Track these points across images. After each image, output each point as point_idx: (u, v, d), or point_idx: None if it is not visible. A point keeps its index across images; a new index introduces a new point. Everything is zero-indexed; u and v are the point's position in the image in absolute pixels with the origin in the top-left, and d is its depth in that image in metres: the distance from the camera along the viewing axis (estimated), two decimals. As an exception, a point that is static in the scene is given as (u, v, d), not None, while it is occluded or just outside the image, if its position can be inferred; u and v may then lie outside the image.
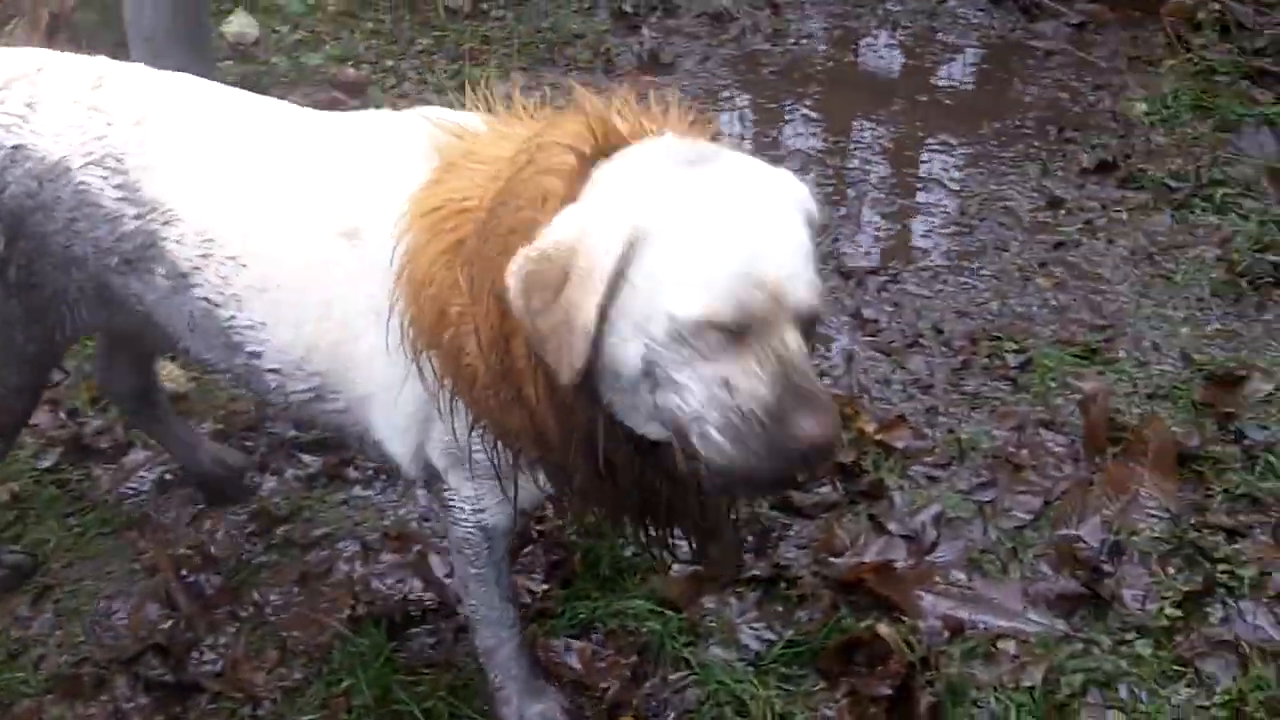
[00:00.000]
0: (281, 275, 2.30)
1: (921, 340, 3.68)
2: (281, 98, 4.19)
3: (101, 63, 2.48)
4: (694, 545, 2.35)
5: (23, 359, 2.57)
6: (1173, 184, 4.23)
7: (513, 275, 1.91)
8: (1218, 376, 3.45)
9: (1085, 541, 3.00)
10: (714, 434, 1.86)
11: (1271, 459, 3.18)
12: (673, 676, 2.80)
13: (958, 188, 4.31)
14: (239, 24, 4.85)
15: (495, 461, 2.23)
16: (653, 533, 2.27)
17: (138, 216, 2.33)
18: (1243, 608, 2.82)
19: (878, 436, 3.32)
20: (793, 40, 5.17)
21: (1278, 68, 4.70)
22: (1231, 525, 3.02)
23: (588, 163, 1.98)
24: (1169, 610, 2.81)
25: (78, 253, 2.39)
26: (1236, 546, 2.96)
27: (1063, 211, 4.18)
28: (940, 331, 3.70)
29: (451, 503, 2.43)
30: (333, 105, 4.48)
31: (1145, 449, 3.18)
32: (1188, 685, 2.69)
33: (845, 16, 5.32)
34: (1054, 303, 3.81)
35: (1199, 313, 3.74)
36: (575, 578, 3.02)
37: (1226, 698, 2.63)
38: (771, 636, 2.88)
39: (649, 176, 1.93)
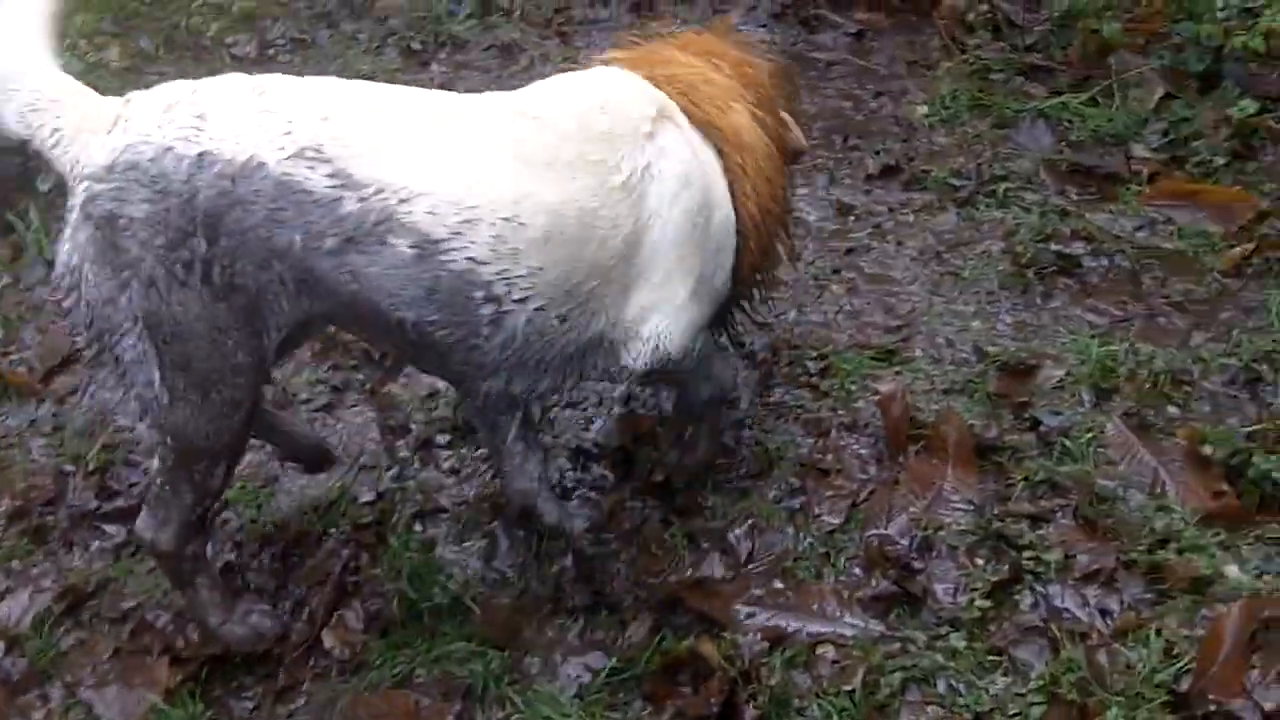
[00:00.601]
0: (563, 225, 2.64)
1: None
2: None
3: (253, 77, 2.61)
4: None
5: (237, 369, 2.62)
6: (956, 182, 4.30)
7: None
8: (1010, 367, 3.50)
9: (895, 540, 3.02)
10: None
11: (1067, 443, 3.24)
12: (498, 717, 2.76)
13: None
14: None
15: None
16: None
17: (361, 199, 2.50)
18: (1050, 592, 2.87)
19: (688, 454, 3.31)
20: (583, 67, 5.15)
21: (1048, 63, 4.81)
22: (1034, 512, 3.07)
23: None
24: (980, 601, 2.85)
25: (280, 243, 2.51)
26: (1040, 533, 3.01)
27: (852, 218, 4.22)
28: (741, 345, 3.70)
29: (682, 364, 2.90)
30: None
31: (945, 444, 3.23)
32: (1003, 674, 2.73)
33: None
34: (849, 308, 3.83)
35: (988, 306, 3.80)
36: (394, 626, 2.96)
37: (1041, 682, 2.68)
38: (596, 665, 2.85)
39: None
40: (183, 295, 2.51)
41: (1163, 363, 3.45)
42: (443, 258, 2.56)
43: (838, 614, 2.89)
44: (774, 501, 3.19)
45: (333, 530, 3.24)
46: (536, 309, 2.66)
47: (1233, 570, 2.85)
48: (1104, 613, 2.82)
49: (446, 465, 3.42)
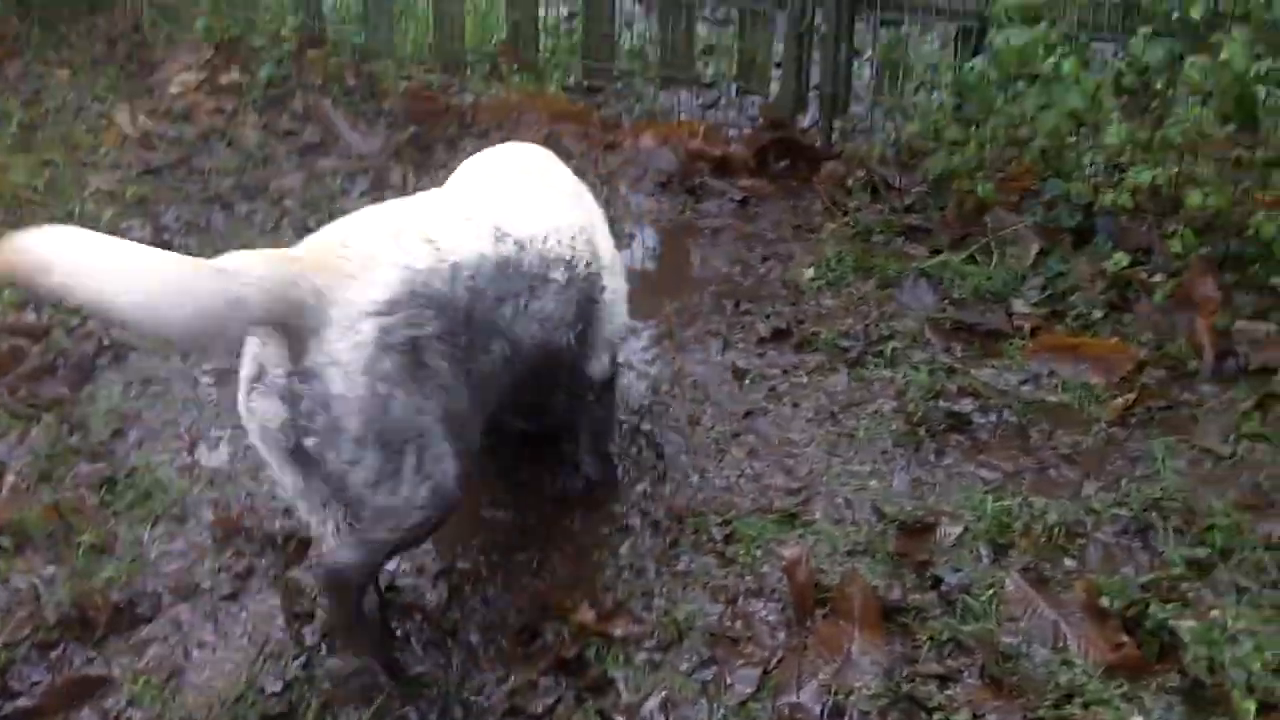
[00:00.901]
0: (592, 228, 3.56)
1: (628, 523, 3.70)
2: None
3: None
4: None
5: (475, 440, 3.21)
6: (845, 344, 4.39)
7: None
8: (909, 526, 3.56)
9: (806, 708, 3.03)
10: None
11: (969, 600, 3.29)
12: None
13: (646, 369, 4.38)
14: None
15: None
16: None
17: (531, 250, 3.26)
18: (961, 754, 2.89)
19: (597, 627, 3.31)
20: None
21: (926, 223, 4.97)
22: (941, 672, 3.10)
23: None
24: (892, 768, 2.87)
25: (500, 319, 3.15)
26: (949, 693, 3.04)
27: (747, 381, 4.28)
28: (645, 513, 3.72)
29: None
30: (14, 352, 4.35)
31: (851, 607, 3.26)
32: (921, 838, 2.74)
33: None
34: (750, 471, 3.88)
35: (884, 465, 3.87)
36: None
37: (956, 845, 2.69)
38: None
39: None
40: (460, 387, 2.99)
41: (1056, 515, 3.54)
42: (575, 270, 3.35)
43: (755, 786, 2.89)
44: (686, 674, 3.18)
45: (241, 724, 3.18)
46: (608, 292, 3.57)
47: (1137, 721, 2.91)
48: (1015, 772, 2.85)
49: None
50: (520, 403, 3.60)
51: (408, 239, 2.94)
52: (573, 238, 3.37)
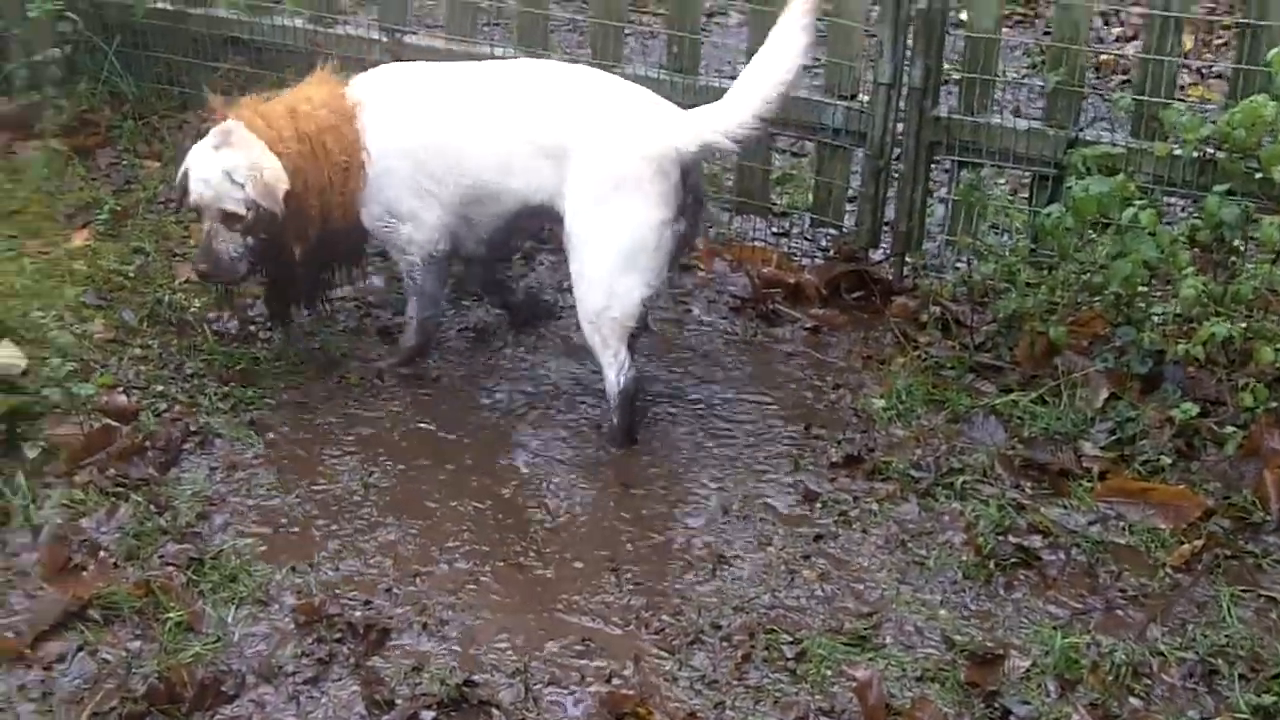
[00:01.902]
0: None
1: (703, 636, 3.86)
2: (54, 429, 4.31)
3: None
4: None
5: None
6: (915, 474, 4.57)
7: None
8: (978, 656, 3.72)
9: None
10: None
11: (1037, 732, 3.45)
12: None
13: (718, 487, 4.55)
14: (4, 355, 4.82)
15: None
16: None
17: None
18: None
19: (672, 737, 3.46)
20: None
21: (996, 362, 5.16)
22: (1009, 802, 3.25)
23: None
24: None
25: None
26: (1015, 824, 3.18)
27: (818, 505, 4.46)
28: (719, 627, 3.88)
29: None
30: (105, 432, 4.56)
31: (921, 731, 3.41)
32: None
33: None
34: (820, 593, 4.05)
35: (954, 595, 4.04)
36: None
37: None
38: None
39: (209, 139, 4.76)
40: None
41: (1123, 655, 3.70)
42: None
43: None
44: (758, 786, 3.34)
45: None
46: None
47: None
48: None
49: (432, 743, 3.51)
50: None
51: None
52: None
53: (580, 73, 4.95)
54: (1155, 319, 4.98)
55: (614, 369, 4.68)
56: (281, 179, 4.67)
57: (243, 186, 4.63)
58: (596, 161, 4.58)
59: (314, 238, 4.85)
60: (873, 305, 5.63)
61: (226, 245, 4.72)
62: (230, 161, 4.64)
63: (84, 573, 4.02)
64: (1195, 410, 4.65)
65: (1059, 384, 4.92)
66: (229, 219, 4.68)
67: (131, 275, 5.65)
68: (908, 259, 5.82)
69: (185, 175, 4.74)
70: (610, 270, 4.58)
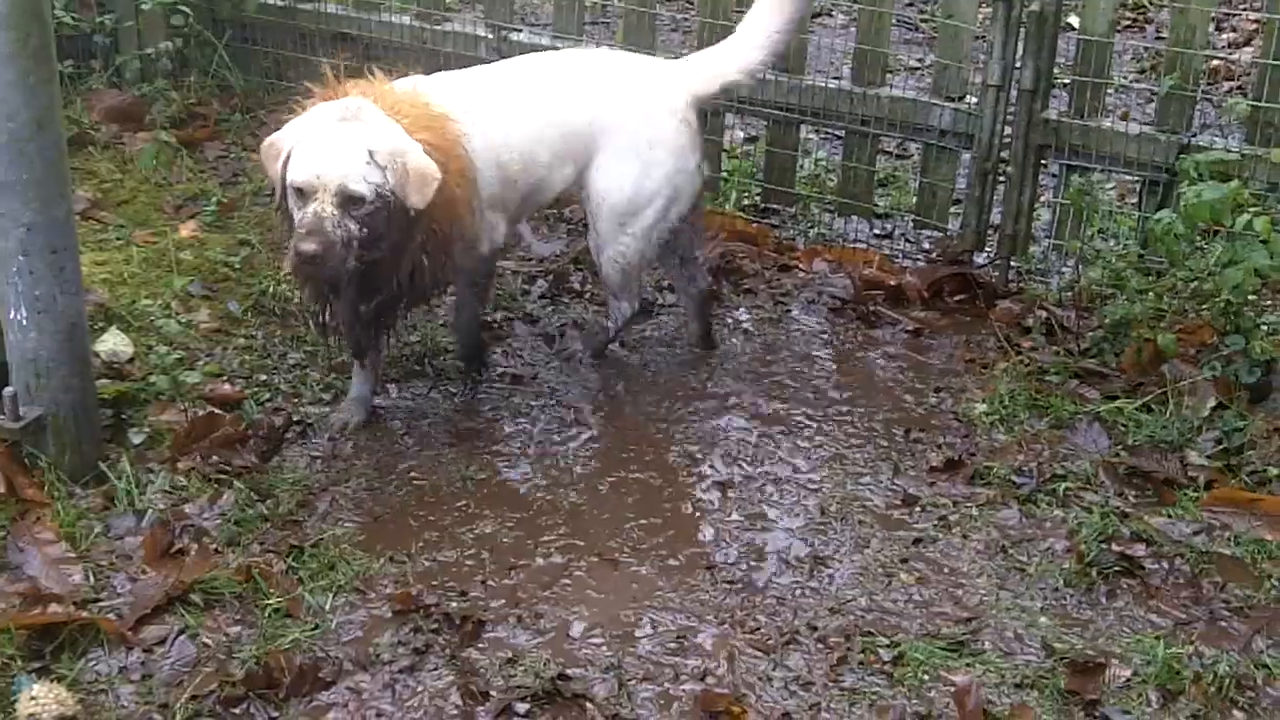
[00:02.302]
0: None
1: (799, 637, 3.87)
2: (159, 415, 4.39)
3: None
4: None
5: None
6: (1017, 480, 4.55)
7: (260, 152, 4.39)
8: (1079, 664, 3.69)
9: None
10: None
11: (1137, 743, 3.42)
12: None
13: (815, 488, 4.56)
14: (112, 343, 4.96)
15: None
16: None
17: None
18: None
19: (766, 735, 3.48)
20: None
21: (1102, 368, 5.12)
22: (1108, 809, 3.24)
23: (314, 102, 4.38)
24: None
25: None
26: (1117, 830, 3.17)
27: (917, 509, 4.45)
28: (815, 628, 3.89)
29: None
30: (209, 420, 4.65)
31: (1021, 738, 3.40)
32: None
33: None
34: (918, 597, 4.04)
35: (1055, 602, 4.01)
36: None
37: None
38: None
39: (315, 116, 4.27)
40: None
41: (1227, 667, 3.66)
42: None
43: None
44: (854, 787, 3.35)
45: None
46: None
47: None
48: None
49: (528, 734, 3.55)
50: None
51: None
52: None
53: (599, 54, 5.39)
54: (1265, 328, 4.92)
55: (631, 299, 5.10)
56: (434, 170, 4.17)
57: (382, 170, 4.07)
58: (632, 128, 4.83)
59: (432, 252, 4.43)
60: (976, 309, 5.61)
61: (340, 231, 4.09)
62: (371, 140, 4.09)
63: (186, 558, 4.11)
64: (1306, 420, 4.59)
65: (1165, 392, 4.87)
66: (349, 203, 4.07)
67: (237, 266, 5.76)
68: (1013, 263, 5.80)
69: (296, 147, 4.13)
70: (651, 222, 4.89)
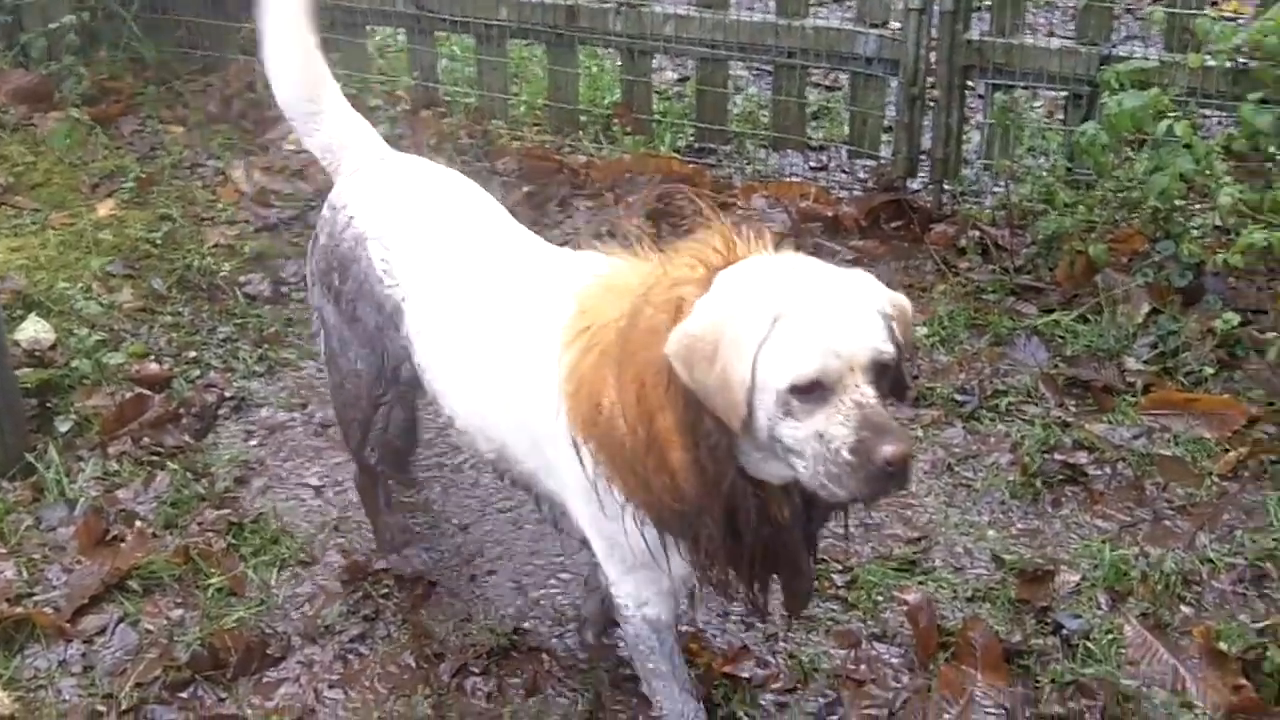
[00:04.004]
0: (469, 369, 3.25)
1: (751, 571, 3.93)
2: (86, 401, 4.38)
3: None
4: (783, 584, 2.95)
5: (355, 374, 3.63)
6: (960, 398, 4.64)
7: (673, 354, 2.56)
8: (1028, 573, 3.79)
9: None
10: (822, 479, 2.49)
11: (1089, 645, 3.53)
12: None
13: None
14: (32, 330, 4.92)
15: (644, 536, 2.85)
16: (759, 580, 2.87)
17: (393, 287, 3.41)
18: (1088, 792, 3.11)
19: (724, 669, 3.54)
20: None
21: (1037, 283, 5.21)
22: (1063, 714, 3.35)
23: (713, 273, 2.65)
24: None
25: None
26: (1071, 733, 3.26)
27: (864, 434, 4.51)
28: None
29: (618, 600, 3.08)
30: (137, 401, 4.65)
31: (973, 651, 3.49)
32: None
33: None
34: (869, 521, 4.11)
35: (1002, 515, 4.11)
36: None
37: None
38: None
39: (769, 279, 2.60)
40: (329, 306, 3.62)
41: (1172, 564, 3.78)
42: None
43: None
44: (813, 716, 3.42)
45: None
46: None
47: (1260, 762, 3.12)
48: (1141, 808, 3.07)
49: (483, 692, 3.58)
50: None
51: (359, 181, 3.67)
52: None
53: None
54: (1194, 232, 5.00)
55: None
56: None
57: (889, 320, 2.64)
58: None
59: None
60: (912, 234, 5.68)
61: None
62: (865, 285, 2.70)
63: (122, 544, 4.09)
64: (1237, 320, 4.71)
65: (1100, 302, 4.97)
66: (880, 377, 2.60)
67: (159, 243, 5.72)
68: (946, 186, 5.87)
69: (781, 329, 2.54)
70: None
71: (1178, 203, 4.98)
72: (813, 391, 2.48)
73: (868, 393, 2.49)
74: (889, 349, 2.55)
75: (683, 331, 2.57)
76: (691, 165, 6.28)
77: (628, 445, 2.70)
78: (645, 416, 2.66)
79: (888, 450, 2.44)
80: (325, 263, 3.58)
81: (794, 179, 6.17)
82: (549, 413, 2.90)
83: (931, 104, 5.86)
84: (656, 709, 3.21)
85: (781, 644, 3.66)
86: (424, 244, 3.39)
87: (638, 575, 3.00)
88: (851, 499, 2.55)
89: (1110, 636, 3.55)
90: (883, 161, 6.13)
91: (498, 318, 3.14)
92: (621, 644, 3.38)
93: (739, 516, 2.68)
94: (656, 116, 6.62)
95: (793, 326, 2.50)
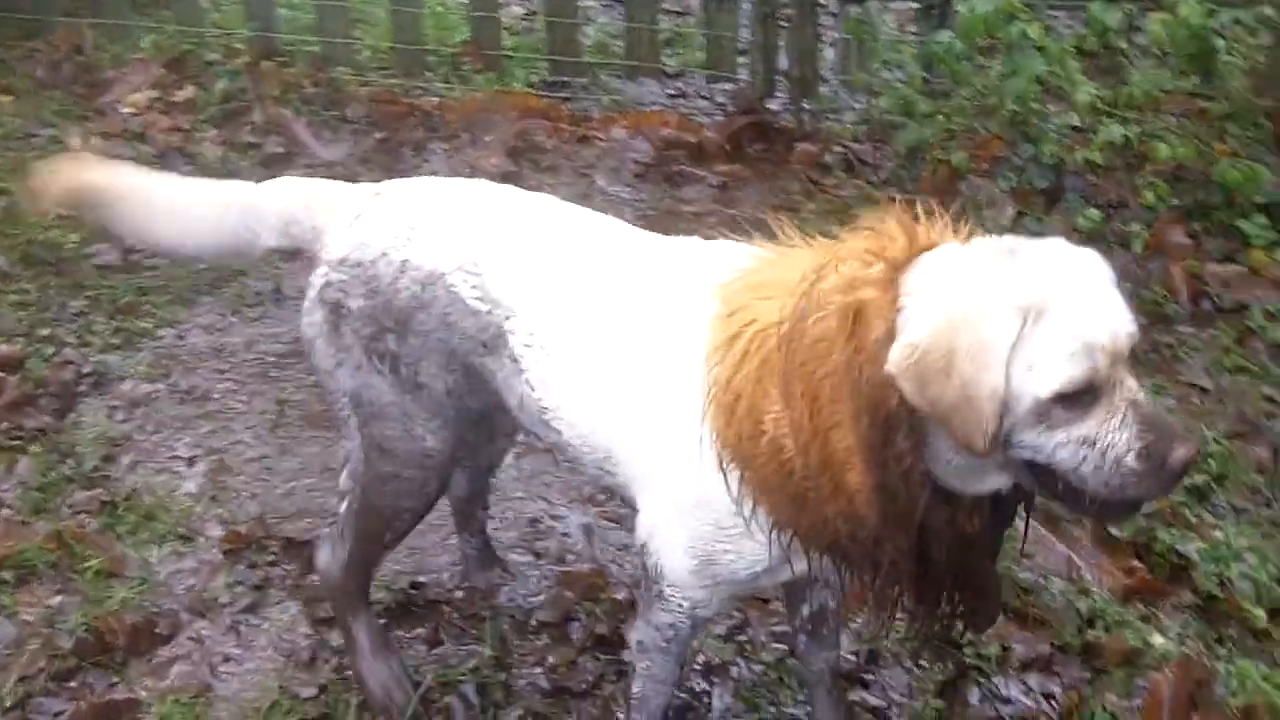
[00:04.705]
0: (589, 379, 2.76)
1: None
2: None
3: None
4: (967, 602, 2.59)
5: (425, 455, 3.03)
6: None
7: (899, 373, 2.20)
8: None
9: (846, 656, 3.29)
10: (1090, 482, 2.23)
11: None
12: None
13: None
14: None
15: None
16: (949, 603, 2.55)
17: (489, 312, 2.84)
18: (995, 684, 3.22)
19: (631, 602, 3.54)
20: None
21: (902, 194, 5.28)
22: (965, 610, 3.42)
23: (896, 269, 2.31)
24: (933, 701, 3.18)
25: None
26: (976, 628, 3.35)
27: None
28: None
29: (673, 598, 2.77)
30: (-4, 385, 4.52)
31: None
32: (964, 766, 3.03)
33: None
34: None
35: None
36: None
37: (1000, 769, 2.98)
38: None
39: (987, 268, 2.27)
40: (379, 381, 2.98)
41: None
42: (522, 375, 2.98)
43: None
44: (722, 638, 3.48)
45: (279, 732, 3.37)
46: None
47: (1158, 640, 3.26)
48: (1047, 696, 3.19)
49: (387, 649, 3.56)
50: None
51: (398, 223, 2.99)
52: None
53: None
54: (1052, 133, 5.10)
55: None
56: None
57: None
58: None
59: None
60: (776, 155, 5.72)
61: None
62: (1104, 265, 2.41)
63: (-12, 534, 3.96)
64: (1099, 215, 4.86)
65: (965, 208, 5.03)
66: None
67: (-2, 218, 5.50)
68: (806, 105, 5.92)
69: (1039, 327, 2.22)
70: None
71: (1034, 105, 5.08)
72: (1081, 396, 2.21)
73: (1134, 386, 2.26)
74: (1135, 325, 2.28)
75: (907, 345, 2.22)
76: (547, 100, 6.26)
77: (796, 468, 2.41)
78: (819, 436, 2.37)
79: (1180, 454, 2.22)
80: (373, 327, 2.94)
81: (653, 108, 6.19)
82: (683, 424, 2.56)
83: (785, 23, 5.89)
84: (642, 667, 2.97)
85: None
86: (520, 255, 2.86)
87: (718, 590, 2.76)
88: (1134, 504, 2.36)
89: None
90: (741, 84, 6.15)
91: (625, 317, 2.73)
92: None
93: (929, 537, 2.39)
94: (507, 52, 6.57)
95: (1050, 324, 2.18)
